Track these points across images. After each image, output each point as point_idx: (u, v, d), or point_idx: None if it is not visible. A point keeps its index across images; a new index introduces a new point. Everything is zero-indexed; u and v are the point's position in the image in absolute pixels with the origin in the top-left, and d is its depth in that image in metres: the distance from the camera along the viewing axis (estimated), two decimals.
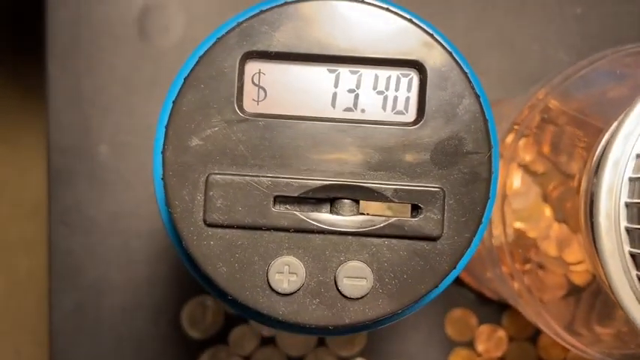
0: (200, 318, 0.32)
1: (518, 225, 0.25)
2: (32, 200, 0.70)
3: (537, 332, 0.32)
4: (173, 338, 0.32)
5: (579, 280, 0.27)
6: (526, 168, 0.26)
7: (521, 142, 0.23)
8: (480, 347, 0.32)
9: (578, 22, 0.33)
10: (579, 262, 0.27)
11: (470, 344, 0.32)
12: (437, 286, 0.13)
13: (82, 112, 0.32)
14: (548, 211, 0.27)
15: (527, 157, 0.26)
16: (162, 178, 0.13)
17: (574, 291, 0.26)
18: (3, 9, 0.64)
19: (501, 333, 0.32)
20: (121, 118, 0.32)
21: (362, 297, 0.13)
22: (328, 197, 0.13)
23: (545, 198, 0.27)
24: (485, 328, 0.32)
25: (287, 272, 0.13)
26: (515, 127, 0.23)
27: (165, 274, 0.33)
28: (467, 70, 0.13)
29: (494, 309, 0.32)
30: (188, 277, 0.33)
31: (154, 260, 0.33)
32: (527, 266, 0.26)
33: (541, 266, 0.26)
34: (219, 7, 0.33)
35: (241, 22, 0.13)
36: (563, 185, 0.27)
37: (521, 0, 0.33)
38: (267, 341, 0.32)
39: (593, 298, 0.26)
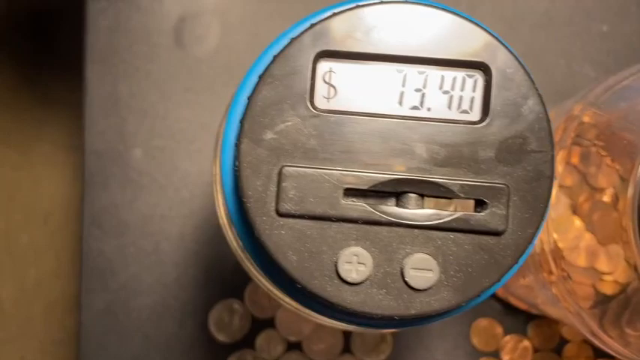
0: (227, 321, 0.32)
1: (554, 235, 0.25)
2: (44, 208, 0.70)
3: (562, 343, 0.32)
4: (200, 341, 0.33)
5: (608, 290, 0.27)
6: (557, 179, 0.26)
7: (560, 155, 0.23)
8: (506, 357, 0.32)
9: (604, 38, 0.34)
10: (609, 273, 0.28)
11: (495, 354, 0.32)
12: (500, 280, 0.14)
13: (117, 117, 0.33)
14: (578, 222, 0.27)
15: (559, 167, 0.26)
16: (235, 169, 0.14)
17: (601, 302, 0.27)
18: (17, 16, 0.66)
19: (526, 343, 0.32)
20: (155, 122, 0.33)
21: (428, 288, 0.13)
22: (395, 191, 0.14)
23: (575, 209, 0.27)
24: (510, 339, 0.32)
25: (355, 262, 0.13)
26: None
27: (194, 277, 0.33)
28: (529, 72, 0.14)
29: (520, 319, 0.32)
30: (216, 281, 0.33)
31: (183, 263, 0.33)
32: (561, 274, 0.26)
33: (568, 277, 0.26)
34: (253, 17, 0.34)
35: (315, 24, 0.14)
36: (592, 198, 0.28)
37: (548, 16, 0.34)
38: (293, 346, 0.32)
39: (621, 308, 0.26)
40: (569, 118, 0.24)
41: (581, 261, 0.27)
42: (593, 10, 0.34)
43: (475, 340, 0.32)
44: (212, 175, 0.20)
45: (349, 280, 0.13)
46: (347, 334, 0.32)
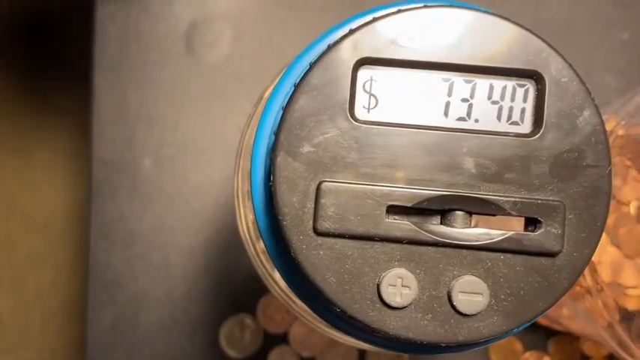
0: (239, 337, 0.31)
1: None
2: (43, 216, 0.69)
3: (583, 359, 0.31)
4: (210, 357, 0.32)
5: (632, 305, 0.26)
6: None
7: None
8: None
9: (624, 47, 0.33)
10: (633, 287, 0.27)
11: None
12: (553, 304, 0.13)
13: (126, 126, 0.32)
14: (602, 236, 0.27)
15: None
16: (269, 185, 0.13)
17: (623, 319, 0.26)
18: (19, 22, 0.65)
19: None
20: (165, 131, 0.32)
21: (477, 314, 0.12)
22: (442, 209, 0.13)
23: None
24: (530, 355, 0.31)
25: (399, 285, 0.12)
26: None
27: (204, 291, 0.32)
28: (584, 82, 0.13)
29: (540, 335, 0.31)
30: (227, 295, 0.32)
31: (193, 276, 0.32)
32: (596, 287, 0.25)
33: (602, 289, 0.26)
34: (266, 23, 0.33)
35: (354, 29, 0.13)
36: (617, 211, 0.27)
37: (568, 24, 0.33)
38: None
39: None
40: None
41: (605, 275, 0.27)
42: (613, 18, 0.33)
43: (494, 357, 0.31)
44: (233, 189, 0.19)
45: (393, 304, 0.12)
46: (362, 349, 0.31)
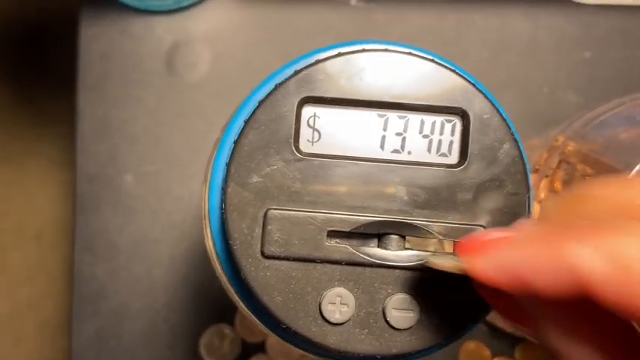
0: (218, 345, 0.33)
1: None
2: (36, 225, 0.70)
3: None
4: None
5: None
6: (541, 204, 0.27)
7: (543, 182, 0.24)
8: None
9: (587, 65, 0.34)
10: None
11: None
12: (478, 321, 0.14)
13: (109, 142, 0.33)
14: None
15: (542, 194, 0.27)
16: (222, 212, 0.14)
17: None
18: (12, 34, 0.66)
19: None
20: (147, 148, 0.33)
21: (409, 328, 0.14)
22: (377, 233, 0.14)
23: None
24: None
25: (339, 303, 0.14)
26: (537, 167, 0.25)
27: (185, 301, 0.33)
28: (506, 117, 0.14)
29: (507, 342, 0.33)
30: (207, 305, 0.33)
31: (173, 287, 0.33)
32: None
33: None
34: (244, 44, 0.34)
35: (299, 71, 0.14)
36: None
37: (532, 44, 0.34)
38: None
39: None
40: (552, 148, 0.25)
41: None
42: (577, 37, 0.34)
43: None
44: (201, 209, 0.20)
45: (332, 320, 0.14)
46: None
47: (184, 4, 0.34)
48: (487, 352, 0.33)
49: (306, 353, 0.15)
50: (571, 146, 0.24)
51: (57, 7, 0.64)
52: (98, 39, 0.34)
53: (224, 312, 0.33)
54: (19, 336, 0.68)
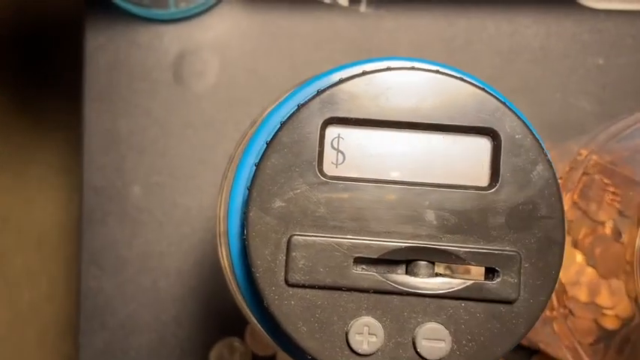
0: (228, 359, 0.32)
1: None
2: (37, 230, 0.70)
3: None
4: None
5: (610, 324, 0.27)
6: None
7: (567, 197, 0.24)
8: None
9: (599, 71, 0.34)
10: (610, 308, 0.28)
11: None
12: (511, 349, 0.13)
13: (116, 153, 0.33)
14: (579, 257, 0.27)
15: (565, 208, 0.27)
16: (244, 239, 0.14)
17: (603, 337, 0.27)
18: (14, 39, 0.66)
19: None
20: (154, 159, 0.33)
21: (440, 359, 0.13)
22: (406, 259, 0.14)
23: (576, 244, 0.27)
24: None
25: (367, 333, 0.13)
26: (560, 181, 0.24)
27: (194, 315, 0.33)
28: (538, 138, 0.14)
29: (523, 353, 0.32)
30: (216, 318, 0.33)
31: (182, 300, 0.33)
32: (563, 310, 0.26)
33: (570, 313, 0.27)
34: (252, 53, 0.34)
35: (322, 90, 0.14)
36: (594, 232, 0.28)
37: (544, 51, 0.34)
38: None
39: (622, 343, 0.26)
40: (574, 162, 0.24)
41: (583, 296, 0.27)
42: (588, 43, 0.34)
43: None
44: (215, 226, 0.19)
45: (360, 351, 0.13)
46: None
47: (191, 12, 0.33)
48: None
49: None
50: (594, 160, 0.24)
51: (57, 14, 0.64)
52: (104, 49, 0.33)
53: (234, 325, 0.32)
54: (21, 341, 0.67)
